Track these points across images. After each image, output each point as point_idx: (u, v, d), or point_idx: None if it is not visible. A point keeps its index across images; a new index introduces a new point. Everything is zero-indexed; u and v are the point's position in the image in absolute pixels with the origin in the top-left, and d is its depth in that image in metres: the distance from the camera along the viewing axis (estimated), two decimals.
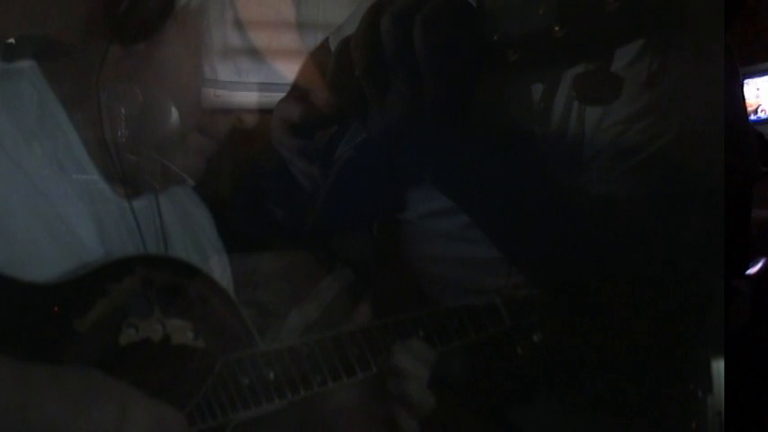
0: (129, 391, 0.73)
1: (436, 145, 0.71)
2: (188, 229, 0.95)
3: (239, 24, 1.06)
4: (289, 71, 1.31)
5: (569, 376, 1.00)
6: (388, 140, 0.68)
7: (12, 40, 0.88)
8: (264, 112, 1.25)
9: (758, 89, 2.24)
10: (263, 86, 1.28)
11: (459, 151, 0.73)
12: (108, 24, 0.82)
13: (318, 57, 1.26)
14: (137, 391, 0.73)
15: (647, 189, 0.93)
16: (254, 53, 1.08)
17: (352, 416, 0.91)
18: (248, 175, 1.28)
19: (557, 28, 0.60)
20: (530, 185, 0.83)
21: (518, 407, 1.03)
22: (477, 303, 0.89)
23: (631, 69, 0.90)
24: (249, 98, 1.24)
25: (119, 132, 0.85)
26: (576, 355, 0.98)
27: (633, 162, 0.93)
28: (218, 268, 0.95)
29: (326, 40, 1.27)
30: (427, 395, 0.89)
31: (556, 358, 0.96)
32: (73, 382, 0.71)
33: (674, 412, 1.07)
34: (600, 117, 0.93)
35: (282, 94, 1.29)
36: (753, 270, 1.63)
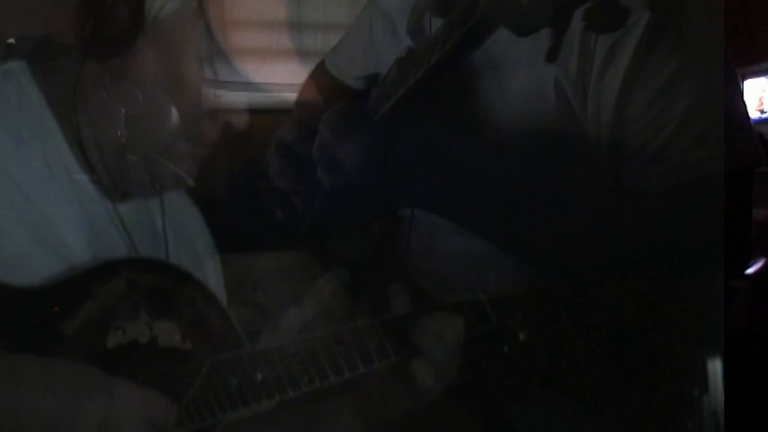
0: (117, 380, 0.74)
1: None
2: (180, 231, 0.95)
3: (212, 30, 1.05)
4: (268, 74, 1.31)
5: (561, 375, 1.00)
6: None
7: (9, 41, 0.89)
8: (253, 112, 1.25)
9: None
10: (245, 88, 1.29)
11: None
12: (79, 42, 0.82)
13: (316, 78, 1.27)
14: (125, 381, 0.74)
15: (655, 184, 0.93)
16: (229, 57, 1.07)
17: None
18: (247, 176, 1.29)
19: None
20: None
21: (509, 405, 1.03)
22: (462, 301, 0.90)
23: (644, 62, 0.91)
24: (237, 99, 1.24)
25: (116, 133, 0.85)
26: (567, 354, 0.98)
27: (647, 154, 0.93)
28: (211, 269, 0.95)
29: (322, 62, 1.28)
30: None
31: (546, 356, 0.96)
32: (62, 373, 0.72)
33: (670, 411, 1.06)
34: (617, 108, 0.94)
35: (265, 94, 1.30)
36: (752, 270, 1.62)
